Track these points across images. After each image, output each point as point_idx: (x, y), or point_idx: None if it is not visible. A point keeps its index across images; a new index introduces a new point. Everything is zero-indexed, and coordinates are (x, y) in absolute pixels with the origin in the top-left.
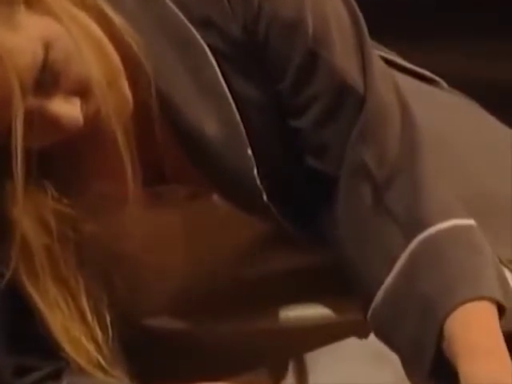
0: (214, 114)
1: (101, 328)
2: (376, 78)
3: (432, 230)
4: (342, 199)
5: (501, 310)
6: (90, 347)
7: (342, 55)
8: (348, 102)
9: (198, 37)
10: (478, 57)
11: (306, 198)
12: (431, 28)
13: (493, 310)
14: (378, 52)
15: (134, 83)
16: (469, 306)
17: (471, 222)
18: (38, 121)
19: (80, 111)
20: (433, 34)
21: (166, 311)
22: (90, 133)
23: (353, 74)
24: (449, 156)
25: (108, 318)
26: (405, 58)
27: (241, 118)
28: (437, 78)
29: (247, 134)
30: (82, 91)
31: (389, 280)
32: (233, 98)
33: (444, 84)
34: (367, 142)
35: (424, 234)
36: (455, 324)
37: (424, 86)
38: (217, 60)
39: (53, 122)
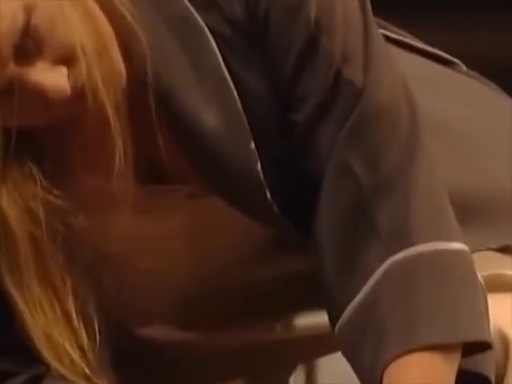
0: (214, 103)
1: (87, 333)
2: (379, 76)
3: (411, 250)
4: (323, 201)
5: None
6: (75, 354)
7: (343, 45)
8: (343, 96)
9: (199, 18)
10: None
11: (307, 199)
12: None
13: (441, 358)
14: (390, 34)
15: (127, 56)
16: (416, 354)
17: (460, 245)
18: (20, 91)
19: (67, 80)
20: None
21: (160, 319)
22: (79, 113)
23: (351, 67)
24: (455, 146)
25: (96, 323)
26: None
27: (242, 107)
28: (454, 60)
29: (249, 125)
30: (69, 59)
31: (358, 298)
32: (234, 86)
33: (462, 66)
34: (357, 142)
35: (400, 255)
36: (394, 369)
37: (437, 69)
38: (217, 44)
39: (36, 92)
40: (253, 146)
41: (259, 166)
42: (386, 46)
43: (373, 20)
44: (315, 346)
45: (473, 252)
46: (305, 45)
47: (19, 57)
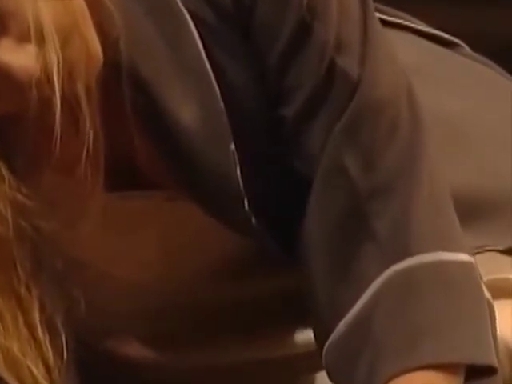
0: (193, 97)
1: (54, 349)
2: (378, 69)
3: (413, 260)
4: (314, 206)
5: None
6: (38, 372)
7: (338, 33)
8: (337, 87)
9: (178, 0)
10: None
11: (290, 210)
12: None
13: (443, 377)
14: (387, 18)
15: (100, 36)
16: (416, 374)
17: (466, 257)
18: None
19: (35, 60)
20: None
21: (131, 334)
22: (49, 100)
23: (346, 56)
24: (456, 141)
25: (64, 338)
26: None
27: (224, 103)
28: (456, 41)
29: (231, 124)
30: (37, 37)
31: (353, 312)
32: (216, 77)
33: (464, 47)
34: (353, 140)
35: (400, 265)
36: None
37: (438, 52)
38: (198, 30)
39: (1, 73)
40: (233, 147)
41: (238, 170)
42: (386, 37)
43: (373, 11)
44: (304, 365)
45: (476, 253)
46: (295, 31)
47: None
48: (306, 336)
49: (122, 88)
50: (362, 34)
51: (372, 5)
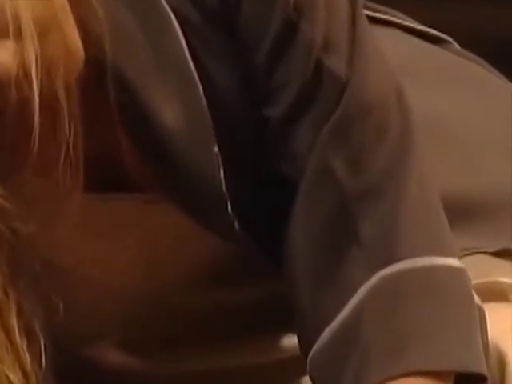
0: (176, 97)
1: (31, 354)
2: (366, 69)
3: (401, 265)
4: (299, 208)
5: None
6: (15, 378)
7: (325, 33)
8: (325, 88)
9: None
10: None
11: (274, 213)
12: None
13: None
14: (371, 13)
15: (82, 32)
16: (402, 381)
17: (456, 262)
18: None
19: (13, 57)
20: None
21: (116, 341)
22: (28, 98)
23: (334, 56)
24: (445, 141)
25: (42, 344)
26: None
27: (208, 104)
28: (445, 37)
29: (215, 125)
30: (14, 33)
31: (339, 318)
32: (199, 77)
33: (454, 44)
34: (341, 141)
35: (390, 270)
36: None
37: (427, 50)
38: (182, 29)
39: None
40: (216, 149)
41: (222, 173)
42: (374, 35)
43: (361, 9)
44: (296, 367)
45: (467, 255)
46: (282, 30)
47: None
48: (295, 340)
49: (106, 87)
50: (350, 32)
51: (360, 2)
